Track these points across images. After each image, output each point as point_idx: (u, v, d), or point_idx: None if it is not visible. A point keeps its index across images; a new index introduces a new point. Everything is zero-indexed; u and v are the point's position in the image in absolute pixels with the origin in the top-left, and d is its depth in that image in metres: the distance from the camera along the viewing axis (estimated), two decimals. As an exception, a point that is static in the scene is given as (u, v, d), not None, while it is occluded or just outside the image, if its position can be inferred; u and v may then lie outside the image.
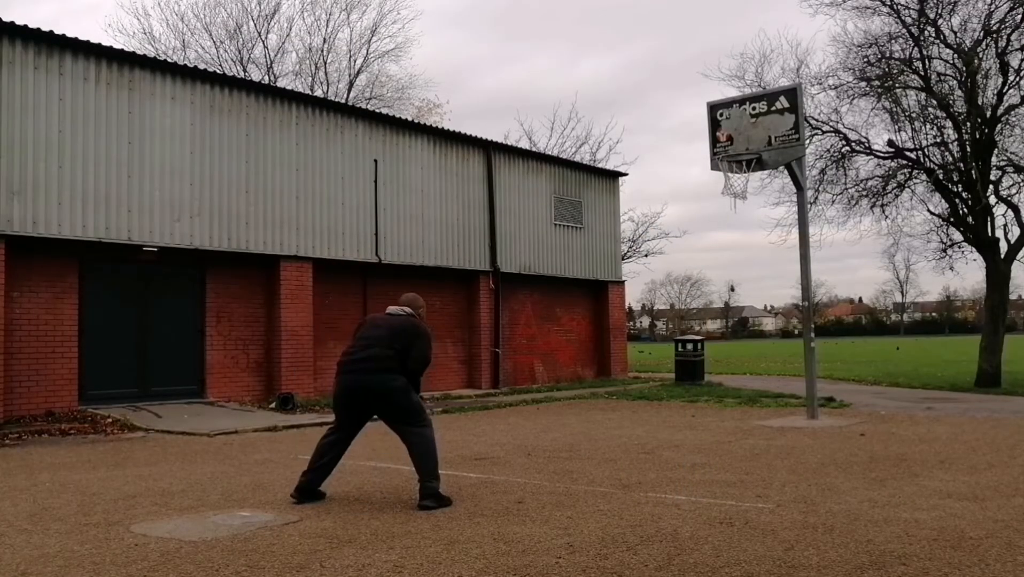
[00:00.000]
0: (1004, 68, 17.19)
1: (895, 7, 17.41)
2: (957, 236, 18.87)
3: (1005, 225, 18.42)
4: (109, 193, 12.73)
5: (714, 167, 12.40)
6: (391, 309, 6.53)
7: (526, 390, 18.35)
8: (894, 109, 18.18)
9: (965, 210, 18.12)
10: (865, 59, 17.99)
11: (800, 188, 12.23)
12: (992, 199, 18.11)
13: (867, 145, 18.53)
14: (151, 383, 13.53)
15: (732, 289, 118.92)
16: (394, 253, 16.82)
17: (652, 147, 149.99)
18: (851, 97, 18.16)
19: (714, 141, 12.38)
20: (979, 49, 17.10)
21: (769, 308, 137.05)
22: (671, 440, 9.58)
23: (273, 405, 13.84)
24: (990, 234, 18.03)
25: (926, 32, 17.51)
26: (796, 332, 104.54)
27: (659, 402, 15.15)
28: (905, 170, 18.67)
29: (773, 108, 11.88)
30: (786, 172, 13.32)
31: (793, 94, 11.93)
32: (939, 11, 17.26)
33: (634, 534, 4.91)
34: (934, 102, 17.70)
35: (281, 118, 15.14)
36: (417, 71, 73.25)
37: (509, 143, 23.46)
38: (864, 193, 18.87)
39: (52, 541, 4.95)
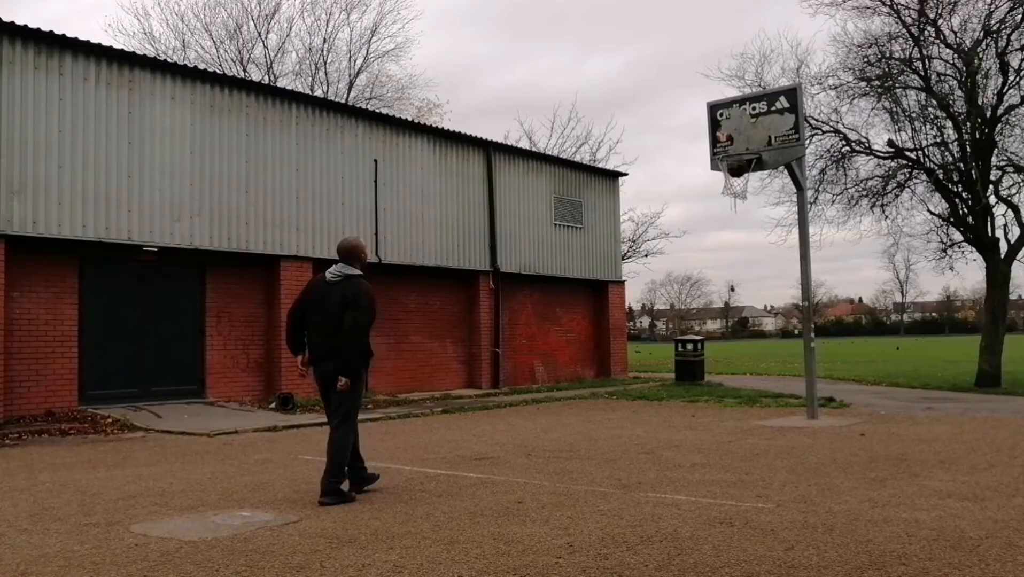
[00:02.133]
0: (1004, 68, 17.19)
1: (895, 7, 17.42)
2: (957, 236, 18.88)
3: (1005, 225, 18.46)
4: (109, 193, 12.73)
5: (714, 167, 12.40)
6: (330, 275, 6.29)
7: (526, 390, 18.35)
8: (894, 109, 18.19)
9: (965, 210, 18.12)
10: (865, 59, 18.00)
11: (800, 188, 12.23)
12: (992, 199, 18.14)
13: (867, 145, 18.55)
14: (151, 383, 13.53)
15: (732, 289, 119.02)
16: (394, 253, 16.82)
17: (659, 146, 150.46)
18: (851, 97, 18.18)
19: (714, 141, 12.38)
20: (979, 49, 17.11)
21: (769, 308, 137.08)
22: (671, 440, 9.57)
23: (273, 405, 13.84)
24: (990, 234, 18.03)
25: (926, 32, 17.52)
26: (796, 332, 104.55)
27: (659, 402, 15.14)
28: (905, 170, 18.68)
29: (773, 108, 11.87)
30: (786, 172, 13.32)
31: (793, 94, 11.92)
32: (939, 11, 17.27)
33: (634, 534, 4.91)
34: (934, 102, 17.70)
35: (281, 118, 15.14)
36: (417, 71, 73.39)
37: (509, 143, 23.48)
38: (864, 193, 18.88)
39: (52, 541, 4.95)
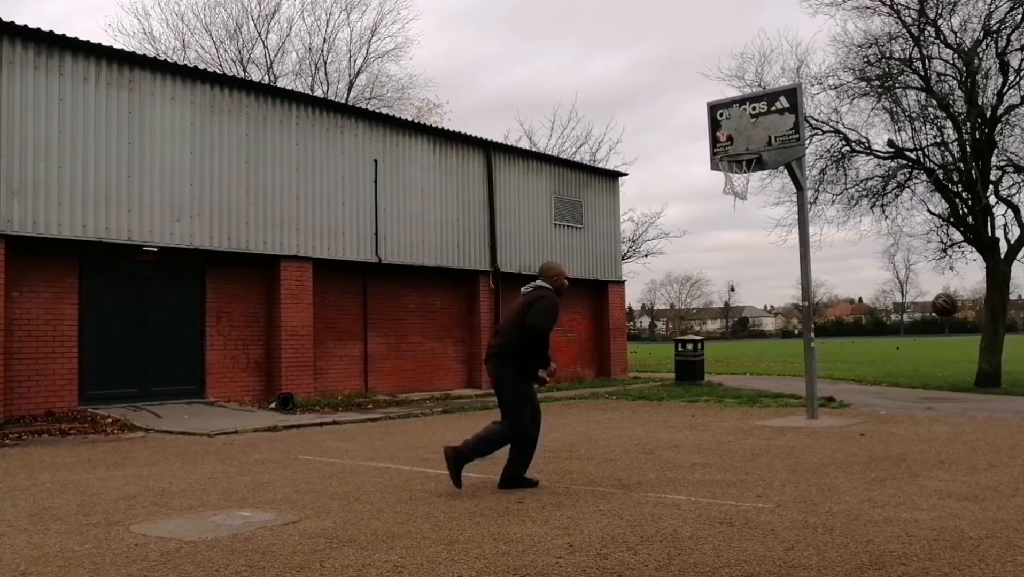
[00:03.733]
0: (1004, 68, 17.19)
1: (895, 7, 17.42)
2: (957, 236, 18.87)
3: (1005, 225, 18.44)
4: (109, 193, 12.73)
5: (714, 167, 12.40)
6: (524, 289, 6.75)
7: (526, 390, 18.30)
8: (894, 109, 18.18)
9: (965, 210, 18.12)
10: (865, 59, 18.00)
11: (800, 188, 12.23)
12: (992, 199, 18.13)
13: (867, 145, 18.54)
14: (151, 383, 13.54)
15: (732, 289, 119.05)
16: (394, 253, 16.82)
17: (661, 146, 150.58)
18: (851, 97, 18.18)
19: (714, 141, 12.38)
20: (979, 49, 17.10)
21: (769, 308, 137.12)
22: (671, 440, 9.57)
23: (273, 405, 13.84)
24: (990, 234, 18.03)
25: (926, 32, 17.51)
26: (796, 332, 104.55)
27: (659, 402, 15.14)
28: (905, 170, 18.67)
29: (773, 108, 11.87)
30: (786, 172, 13.32)
31: (793, 94, 11.92)
32: (939, 11, 17.27)
33: (634, 534, 4.91)
34: (934, 102, 17.70)
35: (281, 118, 15.14)
36: (418, 71, 73.39)
37: (509, 143, 23.47)
38: (864, 193, 18.88)
39: (52, 541, 4.95)
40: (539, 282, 6.68)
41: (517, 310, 6.55)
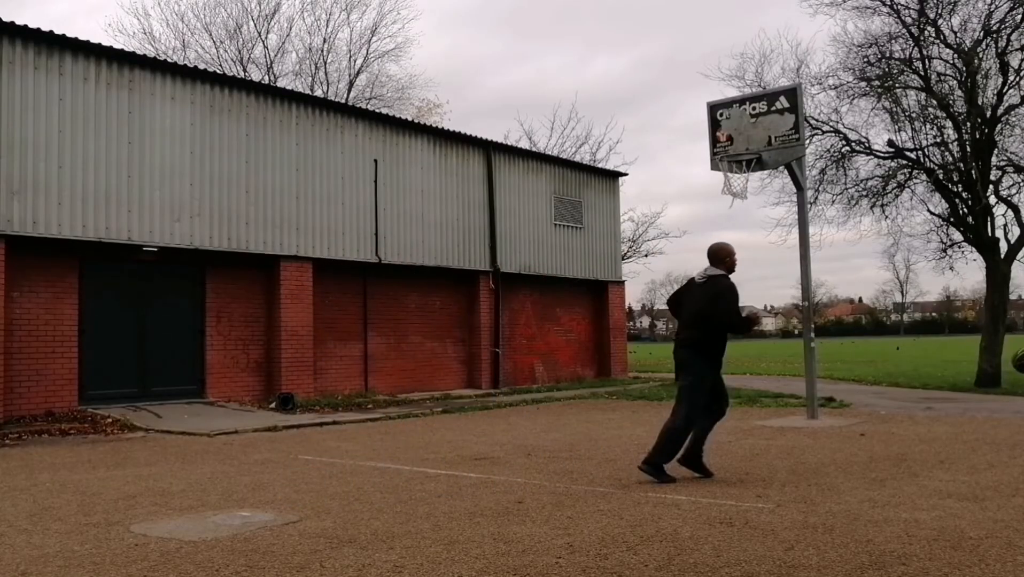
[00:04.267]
0: (1004, 68, 17.18)
1: (895, 7, 17.42)
2: (957, 236, 18.86)
3: (1005, 225, 18.45)
4: (109, 193, 12.73)
5: (714, 167, 12.39)
6: (696, 276, 6.96)
7: (526, 390, 18.34)
8: (894, 109, 18.18)
9: (965, 210, 18.12)
10: (865, 59, 18.00)
11: (800, 188, 12.22)
12: (992, 199, 18.13)
13: (867, 145, 18.53)
14: (151, 383, 13.54)
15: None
16: (394, 253, 16.82)
17: (662, 146, 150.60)
18: (851, 97, 18.17)
19: (714, 141, 12.37)
20: (979, 49, 17.10)
21: (769, 308, 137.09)
22: (671, 440, 9.55)
23: (273, 405, 13.84)
24: (990, 234, 18.03)
25: (926, 32, 17.51)
26: (796, 332, 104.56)
27: (659, 402, 15.12)
28: (905, 170, 18.67)
29: (773, 108, 11.86)
30: (786, 172, 13.32)
31: (793, 94, 11.91)
32: (939, 11, 17.26)
33: (634, 534, 4.90)
34: (934, 102, 17.69)
35: (281, 118, 15.14)
36: (418, 71, 73.39)
37: (509, 143, 23.47)
38: (864, 193, 18.88)
39: (52, 541, 4.95)
40: (711, 269, 6.85)
41: (701, 300, 6.75)
